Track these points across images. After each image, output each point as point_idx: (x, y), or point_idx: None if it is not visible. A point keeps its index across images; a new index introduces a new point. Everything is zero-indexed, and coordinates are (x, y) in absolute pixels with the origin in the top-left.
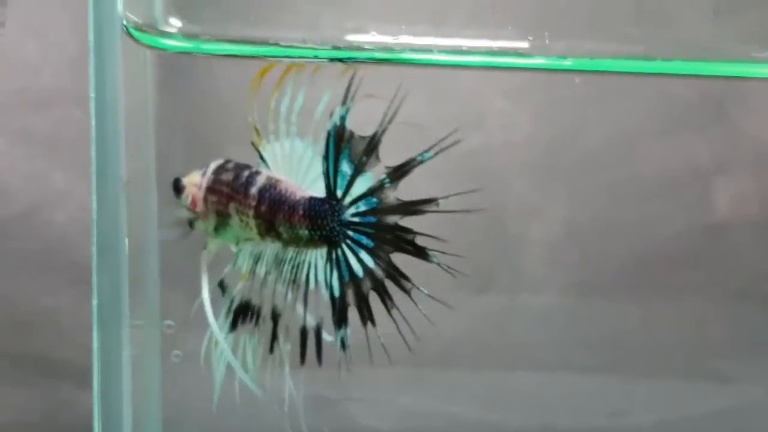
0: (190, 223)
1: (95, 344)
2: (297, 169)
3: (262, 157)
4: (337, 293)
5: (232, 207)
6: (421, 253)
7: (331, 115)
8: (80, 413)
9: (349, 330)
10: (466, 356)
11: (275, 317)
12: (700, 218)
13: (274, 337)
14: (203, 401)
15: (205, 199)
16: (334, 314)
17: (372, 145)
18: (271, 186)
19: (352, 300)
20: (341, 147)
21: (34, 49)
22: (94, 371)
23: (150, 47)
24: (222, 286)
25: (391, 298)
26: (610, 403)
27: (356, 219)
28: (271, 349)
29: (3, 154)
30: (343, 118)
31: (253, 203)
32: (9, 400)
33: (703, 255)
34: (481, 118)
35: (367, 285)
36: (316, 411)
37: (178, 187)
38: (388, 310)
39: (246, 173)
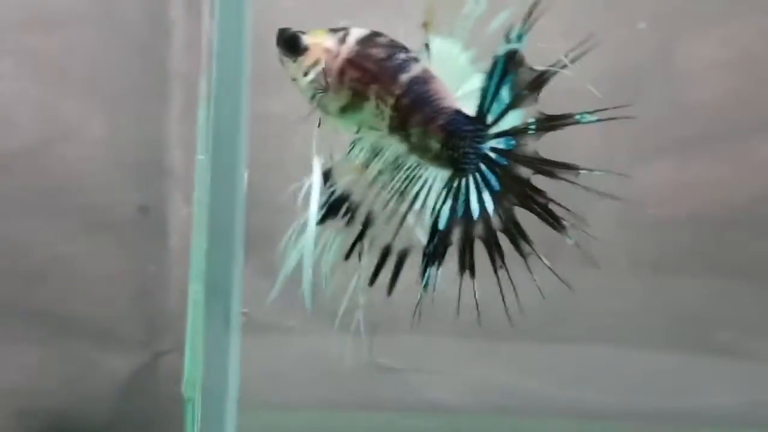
0: (313, 96)
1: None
2: (452, 76)
3: (427, 45)
4: (442, 225)
5: (372, 89)
6: (555, 221)
7: (507, 34)
8: (103, 379)
9: (440, 271)
10: (539, 328)
11: (366, 223)
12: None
13: (356, 243)
14: None
15: (342, 72)
16: (429, 247)
17: (539, 80)
18: (423, 80)
19: (456, 240)
20: (508, 70)
21: None
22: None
23: None
24: (328, 175)
25: (501, 255)
26: (689, 381)
27: (493, 154)
28: (348, 256)
29: (8, 77)
30: (520, 39)
31: (398, 92)
32: (22, 359)
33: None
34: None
35: (478, 230)
36: (380, 381)
37: (295, 45)
38: (495, 269)
39: (402, 55)
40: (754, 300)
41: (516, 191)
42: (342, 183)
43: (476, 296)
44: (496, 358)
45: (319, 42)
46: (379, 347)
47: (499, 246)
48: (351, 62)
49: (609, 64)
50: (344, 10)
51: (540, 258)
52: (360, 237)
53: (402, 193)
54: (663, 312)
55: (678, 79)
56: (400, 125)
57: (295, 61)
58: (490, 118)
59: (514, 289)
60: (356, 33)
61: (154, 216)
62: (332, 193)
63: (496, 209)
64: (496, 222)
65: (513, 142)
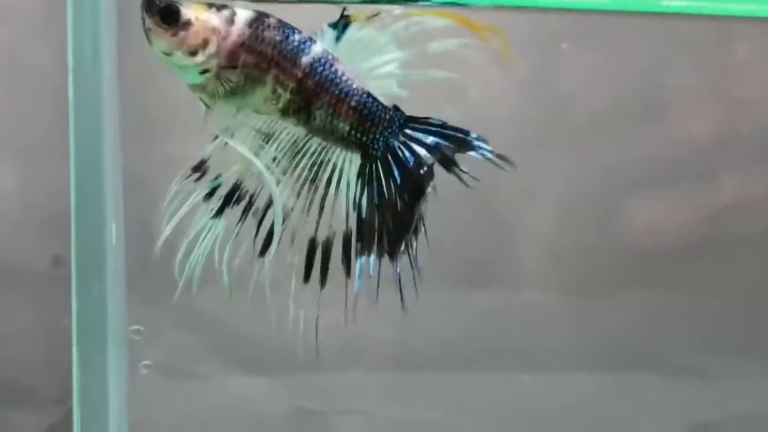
0: (199, 77)
1: (75, 358)
2: (364, 60)
3: (338, 25)
4: (365, 215)
5: (272, 73)
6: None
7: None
8: None
9: (372, 259)
10: (462, 359)
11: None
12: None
13: (270, 239)
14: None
15: (234, 55)
16: (358, 237)
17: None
18: (327, 61)
19: (378, 226)
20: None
21: None
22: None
23: None
24: (201, 167)
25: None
26: (617, 407)
27: (402, 147)
28: (263, 252)
29: None
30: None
31: (300, 74)
32: None
33: (709, 246)
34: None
35: (389, 215)
36: (298, 425)
37: (173, 16)
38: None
39: (296, 37)
40: (680, 321)
41: (417, 183)
42: (230, 173)
43: (400, 277)
44: (422, 392)
45: (204, 19)
46: (301, 389)
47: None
48: (245, 46)
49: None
50: None
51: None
52: (271, 231)
53: (313, 181)
54: (594, 336)
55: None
56: (300, 108)
57: (174, 35)
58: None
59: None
60: (244, 14)
61: (69, 267)
62: (217, 185)
63: (396, 199)
64: (399, 211)
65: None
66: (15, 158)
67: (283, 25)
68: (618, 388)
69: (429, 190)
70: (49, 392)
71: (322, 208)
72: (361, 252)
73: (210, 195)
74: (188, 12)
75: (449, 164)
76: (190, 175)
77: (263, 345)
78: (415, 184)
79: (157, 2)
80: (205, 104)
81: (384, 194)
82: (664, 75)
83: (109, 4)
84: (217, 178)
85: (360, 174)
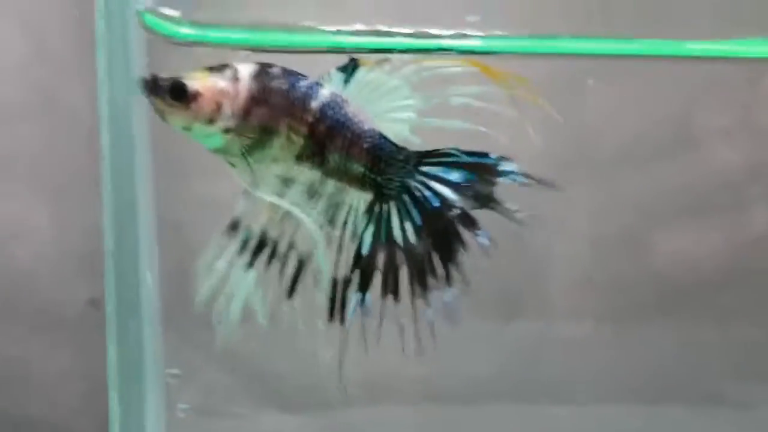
0: (220, 141)
1: (112, 401)
2: (375, 103)
3: (347, 69)
4: (365, 250)
5: (284, 122)
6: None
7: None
8: None
9: (368, 296)
10: (495, 393)
11: (302, 260)
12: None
13: (296, 280)
14: None
15: (247, 111)
16: (354, 271)
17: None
18: (336, 104)
19: (381, 265)
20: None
21: None
22: None
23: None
24: (235, 225)
25: (424, 285)
26: None
27: (421, 186)
28: (291, 293)
29: None
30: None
31: (311, 119)
32: None
33: (742, 276)
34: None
35: (401, 258)
36: None
37: (183, 92)
38: (413, 295)
39: (303, 83)
40: (716, 351)
41: (438, 229)
42: (258, 225)
43: (401, 320)
44: (454, 427)
45: (211, 85)
46: (334, 426)
47: (423, 275)
48: (255, 99)
49: None
50: None
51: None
52: (298, 274)
53: (331, 222)
54: (627, 368)
55: None
56: (314, 152)
57: (187, 109)
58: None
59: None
60: (246, 69)
61: (104, 308)
62: (248, 237)
63: (417, 241)
64: (418, 253)
65: (458, 178)
66: (50, 199)
67: (288, 72)
68: (652, 421)
69: (469, 231)
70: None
71: (340, 247)
72: (359, 288)
73: (242, 248)
74: (194, 83)
75: (487, 201)
76: (227, 233)
77: (296, 383)
78: (443, 227)
79: (162, 83)
80: (230, 163)
81: (396, 234)
82: (691, 109)
83: (139, 46)
84: (247, 231)
85: (368, 211)
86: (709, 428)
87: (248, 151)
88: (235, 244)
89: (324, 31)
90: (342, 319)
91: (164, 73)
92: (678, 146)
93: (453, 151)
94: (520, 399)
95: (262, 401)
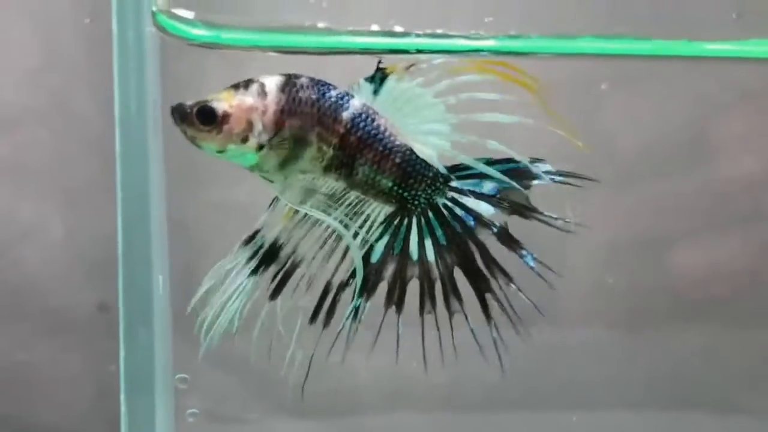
0: (255, 158)
1: (123, 405)
2: (408, 116)
3: (375, 79)
4: (375, 259)
5: (314, 132)
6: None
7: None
8: None
9: (368, 305)
10: (510, 399)
11: (295, 262)
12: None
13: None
14: None
15: (279, 124)
16: (358, 277)
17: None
18: (368, 116)
19: (388, 276)
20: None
21: None
22: None
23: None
24: (254, 237)
25: (432, 302)
26: None
27: (451, 204)
28: (274, 296)
29: None
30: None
31: (342, 130)
32: None
33: (762, 280)
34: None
35: (413, 272)
36: None
37: (213, 116)
38: (422, 310)
39: (333, 93)
40: (737, 354)
41: (465, 252)
42: (270, 234)
43: (399, 331)
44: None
45: (238, 103)
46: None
47: (433, 293)
48: (285, 111)
49: None
50: None
51: (466, 319)
52: (287, 275)
53: (345, 228)
54: (644, 373)
55: None
56: (343, 163)
57: (219, 132)
58: (456, 181)
59: (439, 336)
60: (272, 81)
61: (115, 314)
62: (261, 246)
63: (437, 260)
64: (434, 271)
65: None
66: (61, 203)
67: (316, 82)
68: (668, 427)
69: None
70: None
71: (344, 255)
72: (360, 294)
73: (253, 256)
74: (221, 104)
75: (524, 209)
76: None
77: (307, 389)
78: (473, 246)
79: (189, 110)
80: (267, 179)
81: (412, 249)
82: (708, 112)
83: (153, 51)
84: (261, 239)
85: (385, 223)
86: None
87: (283, 164)
88: (247, 252)
89: (338, 32)
90: (327, 323)
91: (180, 89)
92: (696, 152)
93: (482, 164)
94: (534, 405)
95: (273, 407)
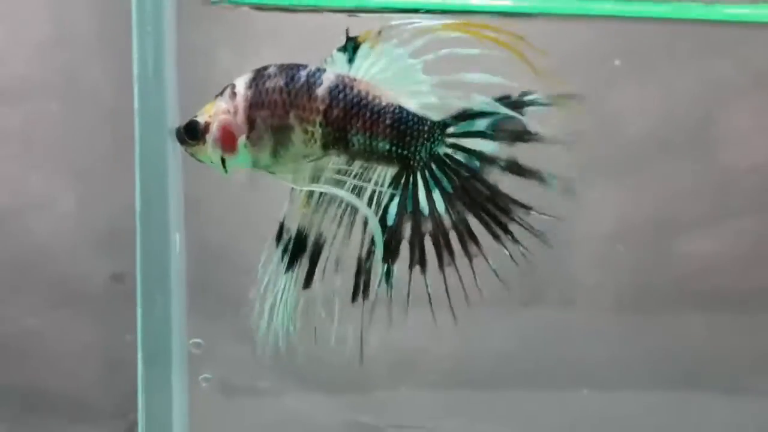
0: (223, 162)
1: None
2: (389, 76)
3: (347, 48)
4: (391, 221)
5: (293, 116)
6: (499, 229)
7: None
8: None
9: (396, 267)
10: (516, 375)
11: (319, 245)
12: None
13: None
14: None
15: (251, 119)
16: (378, 244)
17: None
18: (345, 86)
19: (407, 235)
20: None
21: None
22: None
23: None
24: (281, 229)
25: (450, 253)
26: (678, 425)
27: (452, 151)
28: (307, 284)
29: None
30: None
31: (322, 107)
32: None
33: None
34: None
35: (427, 226)
36: None
37: (196, 129)
38: (441, 264)
39: (303, 72)
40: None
41: (473, 195)
42: (294, 226)
43: (428, 290)
44: (477, 407)
45: (214, 111)
46: (357, 404)
47: (449, 244)
48: (254, 105)
49: None
50: None
51: (486, 260)
52: (315, 261)
53: (358, 198)
54: (648, 352)
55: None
56: (336, 139)
57: (205, 143)
58: (451, 126)
59: (462, 285)
60: (241, 81)
61: (129, 283)
62: (289, 239)
63: (447, 209)
64: (446, 221)
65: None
66: (73, 176)
67: (284, 68)
68: (679, 405)
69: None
70: (108, 406)
71: (365, 225)
72: (385, 260)
73: (284, 251)
74: (203, 116)
75: (523, 135)
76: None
77: (320, 361)
78: (482, 187)
79: (180, 128)
80: (272, 173)
81: (422, 204)
82: (722, 90)
83: (171, 18)
84: (288, 233)
85: (393, 184)
86: (731, 417)
87: (275, 155)
88: (279, 250)
89: None
90: (366, 295)
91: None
92: (707, 136)
93: (474, 106)
94: (543, 380)
95: (286, 378)
